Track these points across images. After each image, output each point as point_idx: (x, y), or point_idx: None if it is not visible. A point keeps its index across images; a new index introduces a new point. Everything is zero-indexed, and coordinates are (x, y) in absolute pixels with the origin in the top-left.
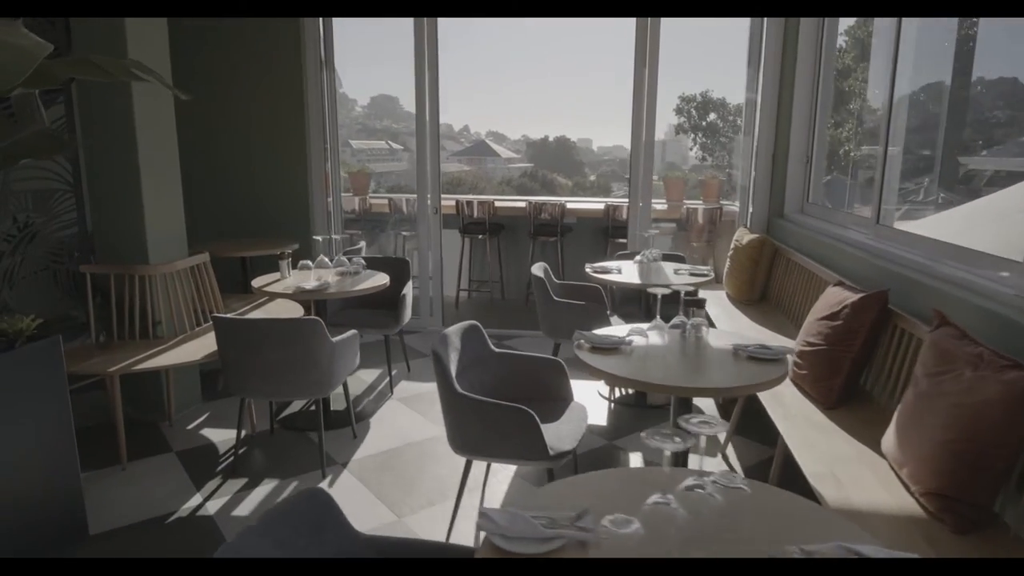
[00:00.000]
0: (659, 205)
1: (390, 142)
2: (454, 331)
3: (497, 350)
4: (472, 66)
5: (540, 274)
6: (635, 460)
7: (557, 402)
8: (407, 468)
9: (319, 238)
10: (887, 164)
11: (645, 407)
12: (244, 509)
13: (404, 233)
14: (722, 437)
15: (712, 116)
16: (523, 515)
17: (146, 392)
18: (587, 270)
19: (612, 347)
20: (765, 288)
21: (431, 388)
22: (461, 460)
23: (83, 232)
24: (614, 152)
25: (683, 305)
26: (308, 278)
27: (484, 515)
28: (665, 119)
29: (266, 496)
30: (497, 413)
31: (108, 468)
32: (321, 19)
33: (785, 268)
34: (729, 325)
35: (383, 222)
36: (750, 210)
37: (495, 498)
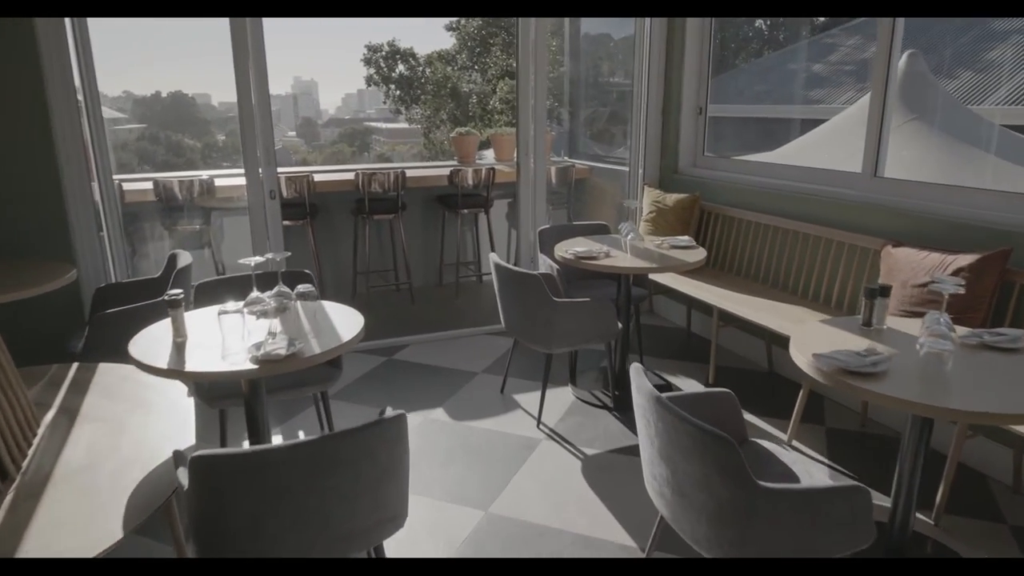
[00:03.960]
0: (503, 167)
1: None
2: (638, 372)
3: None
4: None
5: (512, 265)
6: None
7: (742, 445)
8: None
9: (274, 256)
10: (884, 116)
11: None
12: None
13: (180, 229)
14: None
15: (401, 67)
16: None
17: None
18: (562, 255)
19: (868, 370)
20: None
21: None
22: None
23: None
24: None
25: (869, 295)
26: (245, 329)
27: None
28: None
29: None
30: (823, 501)
31: None
32: None
33: (730, 228)
34: (715, 299)
35: (138, 216)
36: (640, 168)
37: None
